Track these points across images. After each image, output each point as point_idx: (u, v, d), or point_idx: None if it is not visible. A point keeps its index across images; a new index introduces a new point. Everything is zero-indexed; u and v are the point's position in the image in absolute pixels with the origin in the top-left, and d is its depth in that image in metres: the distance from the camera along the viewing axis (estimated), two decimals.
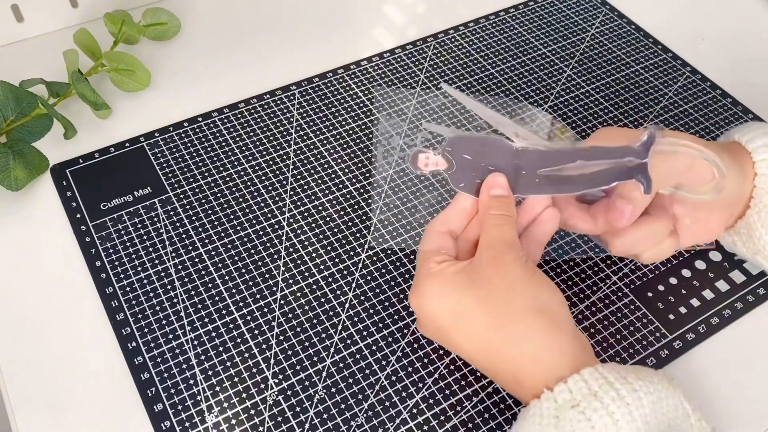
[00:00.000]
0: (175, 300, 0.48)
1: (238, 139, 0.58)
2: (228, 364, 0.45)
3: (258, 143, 0.58)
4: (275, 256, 0.51)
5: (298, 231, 0.52)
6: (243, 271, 0.50)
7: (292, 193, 0.55)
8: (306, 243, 0.52)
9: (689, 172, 0.44)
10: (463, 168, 0.44)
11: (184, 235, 0.52)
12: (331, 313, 0.48)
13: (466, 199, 0.44)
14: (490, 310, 0.40)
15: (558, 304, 0.41)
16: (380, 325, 0.47)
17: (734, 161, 0.45)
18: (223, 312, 0.48)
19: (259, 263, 0.50)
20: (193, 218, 0.53)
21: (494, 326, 0.40)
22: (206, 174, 0.56)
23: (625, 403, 0.36)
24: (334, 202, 0.54)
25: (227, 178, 0.55)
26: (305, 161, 0.57)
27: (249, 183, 0.55)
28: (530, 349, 0.39)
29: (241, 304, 0.48)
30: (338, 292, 0.49)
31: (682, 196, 0.45)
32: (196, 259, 0.50)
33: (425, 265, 0.42)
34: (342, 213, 0.54)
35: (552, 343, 0.39)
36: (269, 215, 0.53)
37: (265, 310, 0.48)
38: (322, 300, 0.49)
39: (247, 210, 0.53)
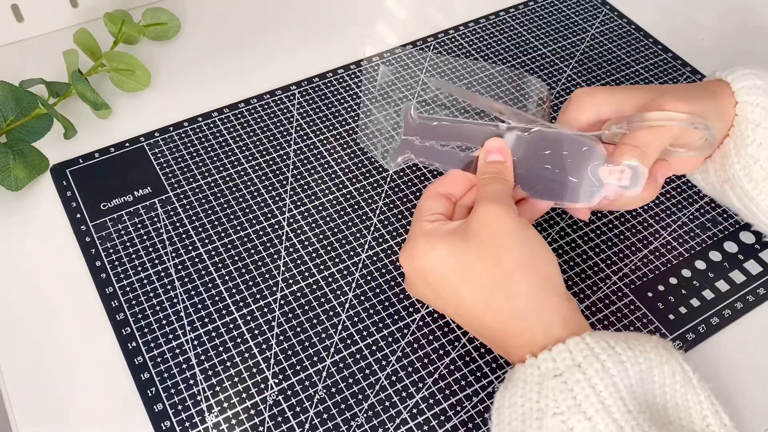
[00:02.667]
0: (175, 300, 0.48)
1: (238, 139, 0.58)
2: (228, 364, 0.45)
3: (258, 143, 0.58)
4: (275, 256, 0.51)
5: (298, 231, 0.52)
6: (243, 271, 0.50)
7: (292, 193, 0.55)
8: (306, 243, 0.52)
9: (680, 138, 0.45)
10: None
11: (184, 235, 0.52)
12: (331, 313, 0.48)
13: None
14: (481, 265, 0.40)
15: (549, 263, 0.40)
16: (380, 325, 0.47)
17: (711, 103, 0.46)
18: (223, 312, 0.48)
19: (259, 263, 0.50)
20: (193, 218, 0.53)
21: (483, 282, 0.40)
22: (206, 174, 0.56)
23: (609, 375, 0.35)
24: (334, 202, 0.54)
25: (227, 178, 0.55)
26: (305, 161, 0.57)
27: (249, 183, 0.55)
28: (520, 308, 0.39)
29: (241, 304, 0.48)
30: (338, 292, 0.49)
31: (675, 156, 0.46)
32: (196, 259, 0.50)
33: (419, 223, 0.43)
34: (342, 213, 0.54)
35: (541, 304, 0.39)
36: (269, 215, 0.53)
37: (265, 310, 0.48)
38: (322, 300, 0.49)
39: (247, 210, 0.53)
